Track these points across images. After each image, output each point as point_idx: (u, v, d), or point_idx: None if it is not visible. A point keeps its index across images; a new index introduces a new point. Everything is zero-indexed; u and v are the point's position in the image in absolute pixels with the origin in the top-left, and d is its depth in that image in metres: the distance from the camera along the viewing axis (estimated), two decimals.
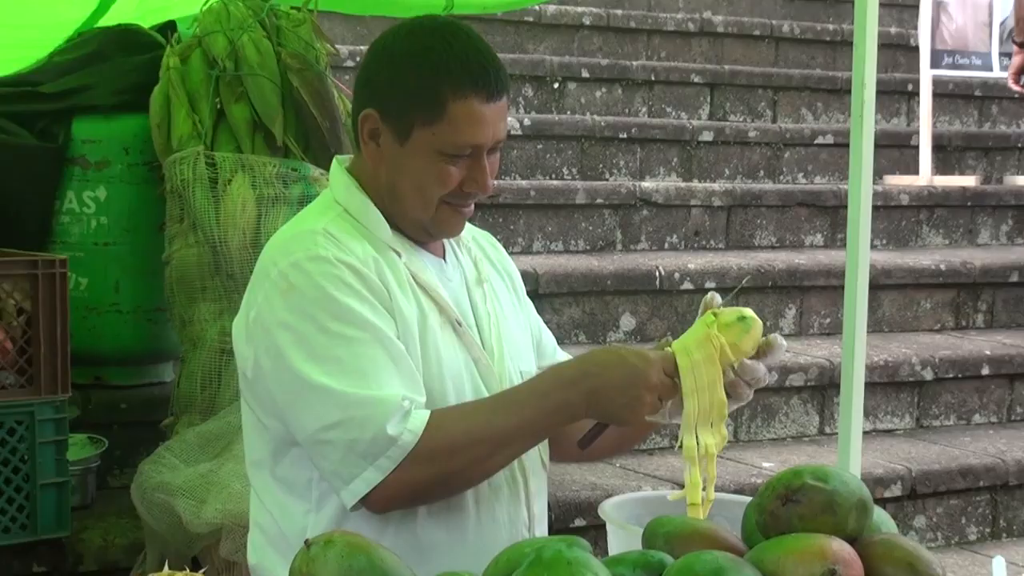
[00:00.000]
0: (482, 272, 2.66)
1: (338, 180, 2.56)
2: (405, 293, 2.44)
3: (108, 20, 4.17)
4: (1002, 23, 6.63)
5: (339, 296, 2.33)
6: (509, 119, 5.91)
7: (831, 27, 7.66)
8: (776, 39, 7.55)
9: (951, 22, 6.69)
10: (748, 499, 2.13)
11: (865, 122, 2.67)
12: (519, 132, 5.95)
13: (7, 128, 4.04)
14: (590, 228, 5.66)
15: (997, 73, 6.70)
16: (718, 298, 2.36)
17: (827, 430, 5.15)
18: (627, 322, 5.24)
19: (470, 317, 2.57)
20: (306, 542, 1.81)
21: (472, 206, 2.53)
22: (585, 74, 6.56)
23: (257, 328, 2.40)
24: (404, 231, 2.51)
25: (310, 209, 2.59)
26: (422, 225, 2.49)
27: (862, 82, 2.80)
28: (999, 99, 7.28)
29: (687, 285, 5.30)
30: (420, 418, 2.27)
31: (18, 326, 3.51)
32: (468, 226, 2.68)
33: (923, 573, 1.88)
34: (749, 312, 2.31)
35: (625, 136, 6.18)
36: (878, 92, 6.92)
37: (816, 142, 6.66)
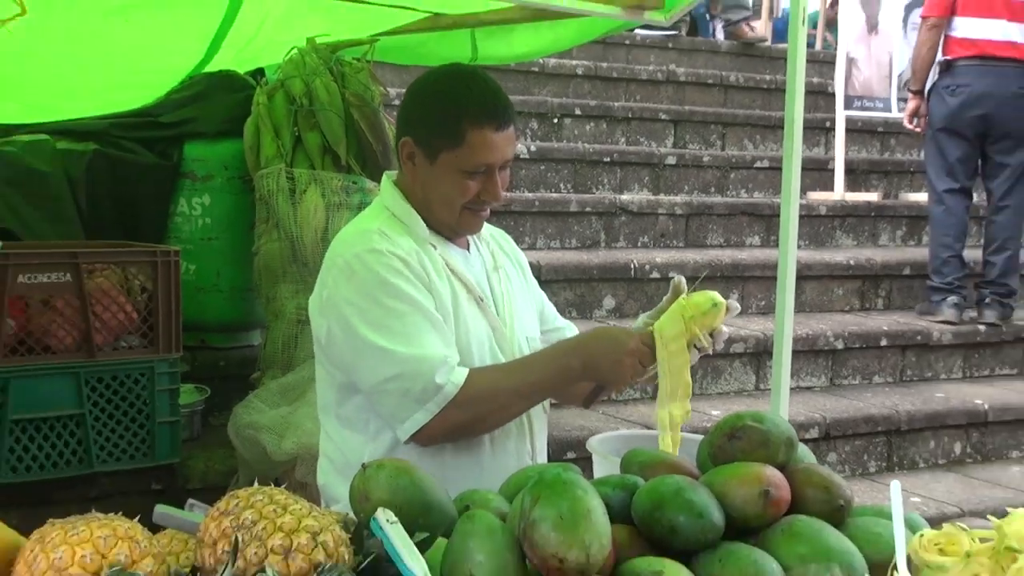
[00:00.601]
0: (497, 261, 2.68)
1: (387, 190, 2.59)
2: (440, 277, 2.47)
3: (212, 67, 4.17)
4: (900, 75, 6.64)
5: (390, 279, 2.36)
6: (519, 146, 5.97)
7: (767, 78, 7.65)
8: (725, 87, 7.56)
9: (860, 74, 6.69)
10: (701, 437, 2.14)
11: (794, 151, 2.66)
12: (527, 156, 5.95)
13: (134, 149, 4.06)
14: (580, 230, 5.68)
15: (895, 114, 6.73)
16: (684, 282, 2.40)
17: (761, 387, 5.16)
18: (608, 303, 5.25)
19: (488, 296, 2.59)
20: (363, 466, 1.83)
21: (488, 211, 2.57)
22: (578, 112, 6.58)
23: (329, 305, 2.43)
24: (437, 230, 2.51)
25: (366, 213, 2.61)
26: (449, 226, 2.53)
27: (792, 120, 2.79)
28: (896, 134, 7.31)
29: (655, 275, 5.33)
30: (461, 373, 2.32)
31: (142, 301, 3.53)
32: (486, 225, 2.71)
33: (835, 493, 1.90)
34: (719, 297, 2.35)
35: (608, 160, 6.20)
36: (804, 128, 6.93)
37: (755, 166, 6.68)
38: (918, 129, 5.85)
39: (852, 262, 5.93)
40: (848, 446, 4.86)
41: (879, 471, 4.93)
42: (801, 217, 6.18)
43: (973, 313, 5.71)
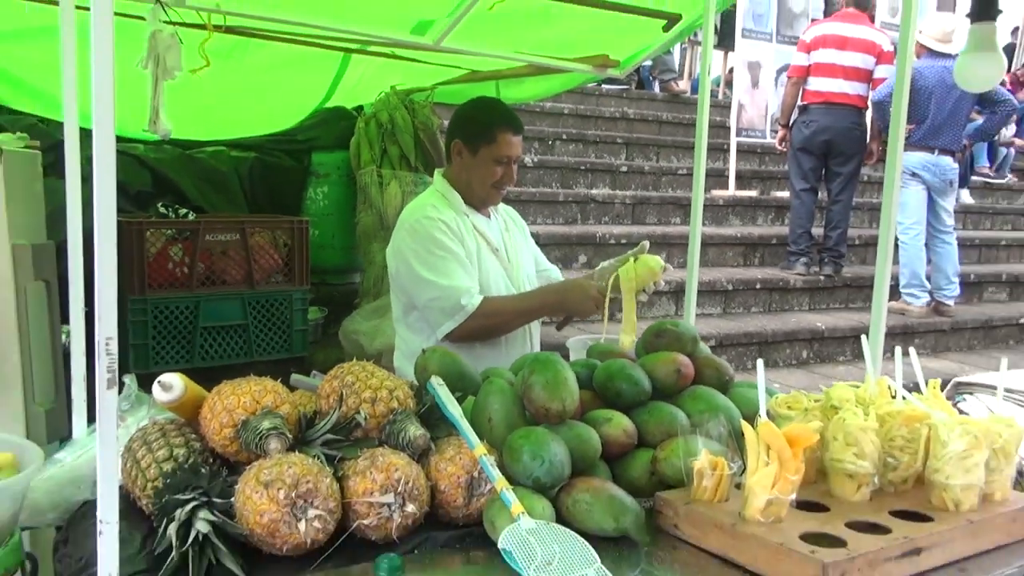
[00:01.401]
0: (507, 225, 2.68)
1: (438, 180, 2.58)
2: (470, 234, 2.47)
3: (330, 104, 4.15)
4: (772, 115, 6.58)
5: (436, 235, 2.37)
6: (526, 157, 5.93)
7: (687, 116, 7.55)
8: (660, 122, 7.47)
9: (747, 114, 6.62)
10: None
11: (702, 163, 2.65)
12: (531, 165, 5.90)
13: (280, 157, 4.06)
14: (564, 212, 5.64)
15: (769, 140, 6.64)
16: (647, 246, 2.41)
17: (679, 314, 5.11)
18: (582, 259, 5.22)
19: (502, 248, 2.58)
20: (423, 350, 1.83)
21: (505, 190, 2.56)
22: (564, 137, 6.52)
23: (397, 252, 2.44)
24: (471, 203, 2.51)
25: (423, 195, 2.61)
26: (481, 199, 2.53)
27: (700, 142, 2.76)
28: (770, 153, 7.21)
29: (612, 241, 5.28)
30: (478, 298, 2.34)
31: (284, 252, 3.52)
32: (501, 204, 2.70)
33: (723, 372, 1.90)
34: (662, 262, 2.38)
35: (583, 168, 6.14)
36: (708, 149, 6.83)
37: (678, 172, 6.58)
38: (784, 149, 5.79)
39: (739, 235, 5.87)
40: (733, 351, 4.84)
41: (753, 368, 4.91)
42: (705, 206, 6.17)
43: (817, 268, 5.66)
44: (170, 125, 2.51)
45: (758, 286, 5.42)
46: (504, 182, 2.49)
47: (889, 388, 1.65)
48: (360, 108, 4.23)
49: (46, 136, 3.17)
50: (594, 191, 5.92)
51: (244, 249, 3.38)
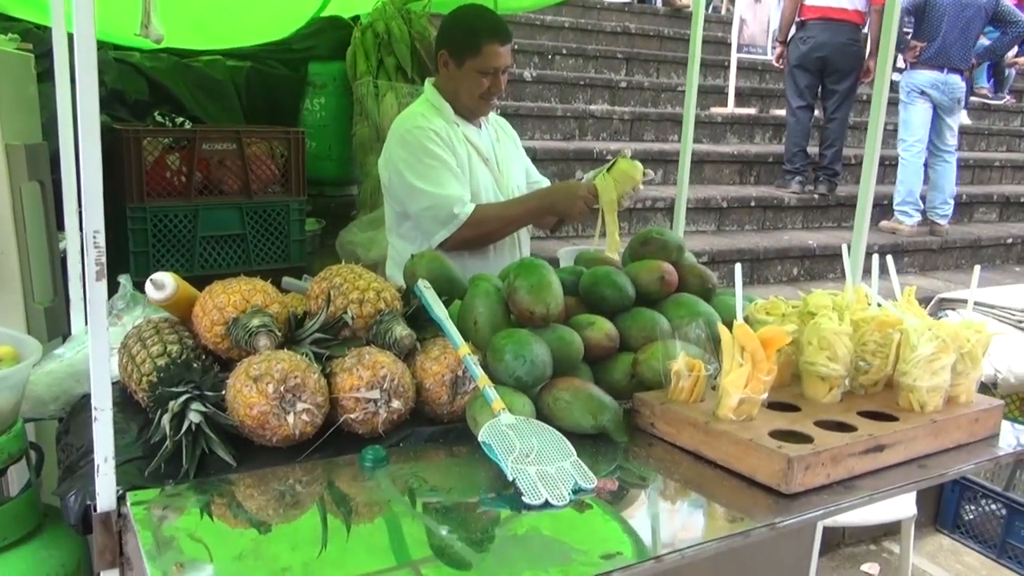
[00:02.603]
0: (499, 135, 2.64)
1: (428, 89, 2.54)
2: (460, 144, 2.44)
3: (325, 13, 4.02)
4: (774, 30, 6.39)
5: (427, 144, 2.35)
6: (525, 72, 5.82)
7: (688, 32, 7.33)
8: (661, 38, 7.29)
9: (748, 30, 6.47)
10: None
11: (694, 79, 2.62)
12: (530, 80, 5.81)
13: (276, 67, 3.96)
14: (563, 128, 5.57)
15: (770, 56, 6.48)
16: (628, 151, 2.40)
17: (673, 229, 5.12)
18: (579, 175, 5.13)
19: (493, 157, 2.55)
20: (411, 255, 1.83)
21: (495, 100, 2.52)
22: (564, 51, 6.38)
23: (389, 161, 2.42)
24: (461, 114, 2.47)
25: (414, 104, 2.55)
26: (470, 110, 2.48)
27: (694, 57, 2.71)
28: (770, 71, 7.06)
29: (609, 158, 5.17)
30: (471, 206, 2.31)
31: (280, 163, 3.49)
32: (493, 115, 2.68)
33: (705, 279, 1.90)
34: (640, 165, 2.35)
35: (582, 83, 6.03)
36: (710, 66, 6.71)
37: (678, 89, 6.46)
38: (782, 66, 5.68)
39: (735, 153, 5.81)
40: (725, 267, 4.84)
41: (745, 284, 4.91)
42: (703, 123, 6.15)
43: (812, 187, 5.62)
44: (162, 30, 2.44)
45: (752, 204, 5.38)
46: (492, 93, 2.45)
47: (866, 296, 1.67)
48: (356, 18, 4.13)
49: (42, 41, 3.08)
50: (592, 107, 5.82)
51: (241, 159, 3.35)
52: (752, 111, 6.54)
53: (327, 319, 1.51)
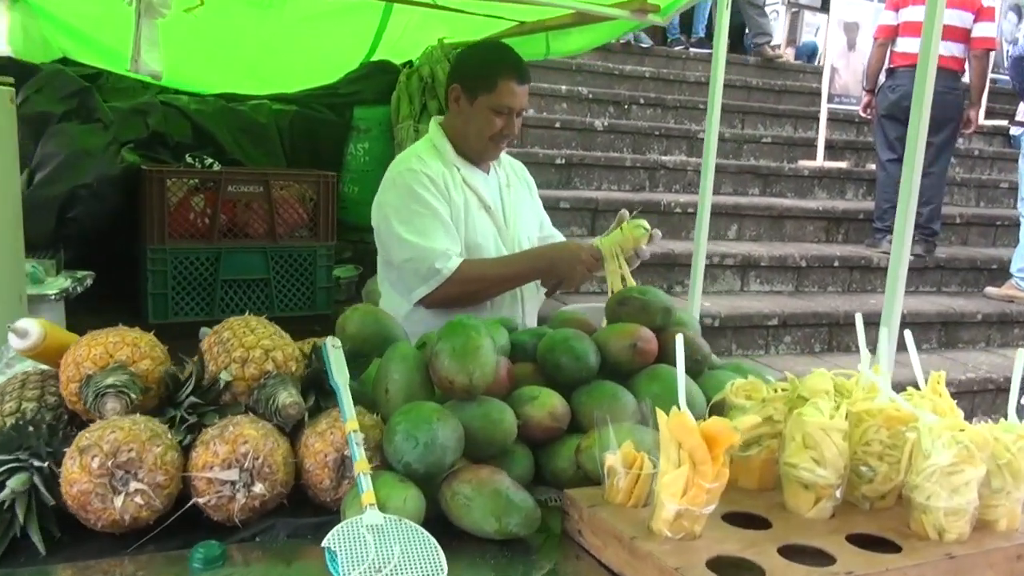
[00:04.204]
0: (510, 181, 2.38)
1: (433, 128, 2.32)
2: (457, 190, 2.20)
3: (375, 57, 3.94)
4: None
5: (418, 190, 2.12)
6: (596, 121, 5.57)
7: (779, 83, 7.01)
8: (749, 88, 6.92)
9: (840, 79, 6.02)
10: None
11: (714, 127, 2.26)
12: (601, 129, 5.57)
13: (322, 111, 3.86)
14: (632, 179, 5.30)
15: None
16: (627, 213, 2.11)
17: (745, 289, 4.74)
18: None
19: (498, 205, 2.30)
20: (344, 309, 1.59)
21: (505, 144, 2.27)
22: (642, 101, 6.12)
23: (378, 206, 2.24)
24: (468, 156, 2.24)
25: (417, 144, 2.32)
26: (477, 152, 2.24)
27: (714, 100, 2.38)
28: (867, 124, 6.54)
29: (677, 210, 4.94)
30: (456, 261, 2.07)
31: (309, 206, 3.35)
32: (508, 157, 2.44)
33: (694, 350, 1.56)
34: (647, 225, 2.09)
35: (657, 133, 5.74)
36: (800, 117, 6.30)
37: (762, 140, 6.12)
38: (869, 116, 5.21)
39: (821, 208, 5.34)
40: (799, 332, 4.40)
41: (821, 351, 4.46)
42: (788, 176, 5.72)
43: None
44: (158, 66, 2.34)
45: (836, 263, 4.90)
46: (503, 135, 2.20)
47: (878, 382, 1.29)
48: (409, 63, 4.01)
49: (71, 83, 3.08)
50: (665, 158, 5.50)
51: (267, 202, 3.23)
52: (843, 165, 6.05)
53: (203, 381, 1.27)
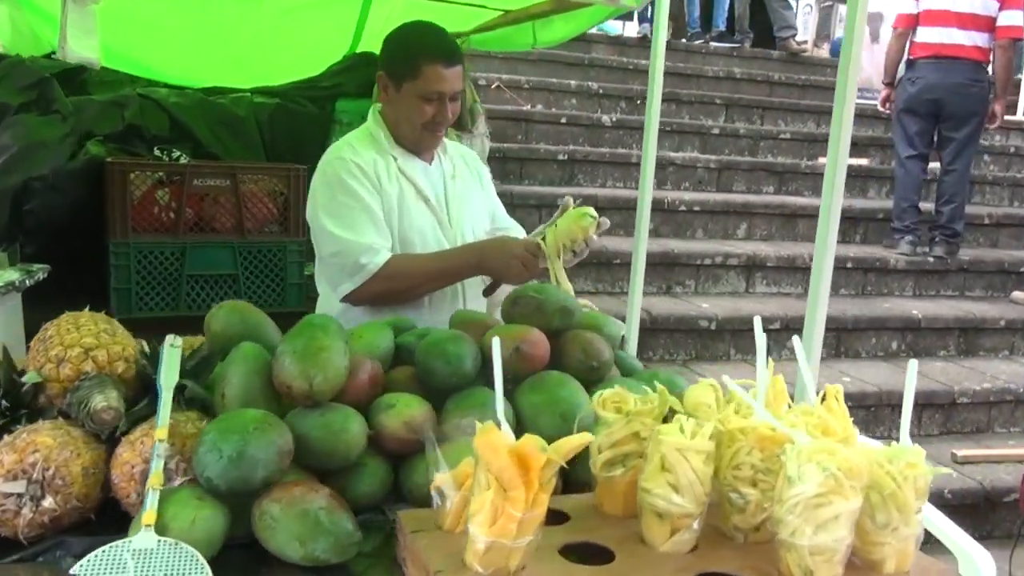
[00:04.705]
0: (457, 171, 2.22)
1: (371, 116, 2.19)
2: (391, 180, 2.06)
3: (358, 50, 3.83)
4: None
5: (347, 180, 1.99)
6: (604, 117, 5.39)
7: (803, 78, 6.76)
8: (770, 83, 6.68)
9: (863, 72, 5.71)
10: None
11: (654, 118, 2.07)
12: (608, 124, 5.41)
13: (304, 104, 3.75)
14: (635, 174, 5.04)
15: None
16: (571, 201, 1.96)
17: (750, 291, 4.54)
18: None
19: (440, 196, 2.16)
20: (219, 305, 1.47)
21: (443, 130, 2.11)
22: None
23: (311, 196, 2.12)
24: (404, 145, 2.11)
25: (350, 133, 2.19)
26: (413, 141, 2.09)
27: (654, 92, 2.19)
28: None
29: (682, 208, 4.79)
30: (383, 257, 1.93)
31: (280, 201, 3.25)
32: (459, 146, 2.32)
33: (590, 355, 1.41)
34: (593, 212, 1.91)
35: (668, 129, 5.50)
36: (822, 112, 6.02)
37: (780, 137, 5.89)
38: (887, 111, 4.94)
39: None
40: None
41: (827, 358, 4.21)
42: (807, 174, 5.46)
43: (926, 249, 4.81)
44: (92, 53, 2.26)
45: (849, 265, 4.65)
46: (437, 122, 2.05)
47: (762, 391, 1.13)
48: None
49: (30, 74, 3.03)
50: (675, 154, 5.30)
51: (235, 196, 3.13)
52: (865, 162, 5.77)
53: (15, 382, 1.16)
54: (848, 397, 1.43)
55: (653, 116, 2.05)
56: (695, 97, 6.01)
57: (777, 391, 1.18)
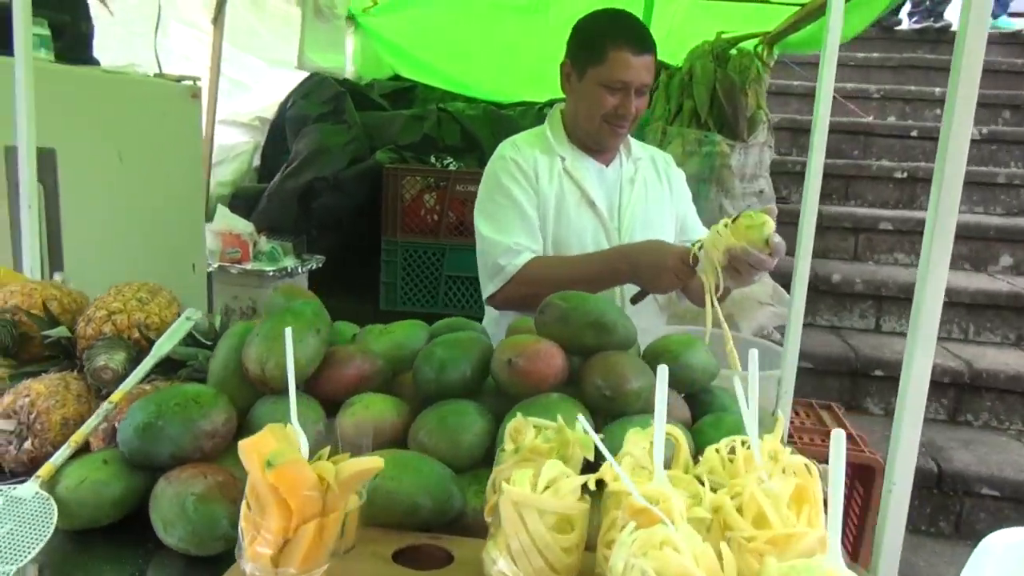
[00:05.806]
0: (639, 174, 2.04)
1: (551, 115, 2.12)
2: (552, 181, 1.99)
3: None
4: None
5: (502, 178, 1.96)
6: (972, 128, 4.50)
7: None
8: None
9: None
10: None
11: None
12: (977, 138, 4.48)
13: None
14: (1006, 200, 4.19)
15: None
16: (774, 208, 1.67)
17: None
18: (1005, 262, 3.81)
19: (615, 202, 2.00)
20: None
21: (625, 127, 1.94)
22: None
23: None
24: (582, 144, 1.99)
25: (524, 132, 2.12)
26: (591, 136, 1.97)
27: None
28: None
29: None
30: (523, 259, 1.86)
31: None
32: (651, 148, 2.14)
33: (611, 383, 1.17)
34: (762, 216, 1.56)
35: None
36: None
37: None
38: None
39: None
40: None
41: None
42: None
43: None
44: (330, 64, 2.49)
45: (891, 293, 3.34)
46: (620, 116, 1.89)
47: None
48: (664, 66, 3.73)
49: (330, 88, 3.44)
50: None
51: None
52: None
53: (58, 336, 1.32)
54: None
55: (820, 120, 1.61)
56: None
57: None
